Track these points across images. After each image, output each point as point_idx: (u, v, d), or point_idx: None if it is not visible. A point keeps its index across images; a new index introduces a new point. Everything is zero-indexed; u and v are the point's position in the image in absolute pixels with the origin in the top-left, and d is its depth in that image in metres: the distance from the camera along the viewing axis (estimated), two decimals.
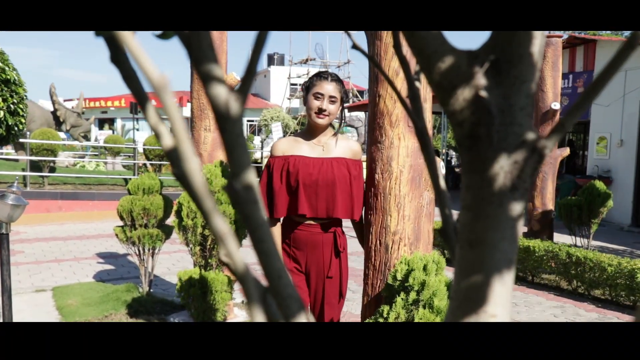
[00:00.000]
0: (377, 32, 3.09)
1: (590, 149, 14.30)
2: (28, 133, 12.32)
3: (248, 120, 37.48)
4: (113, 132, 32.73)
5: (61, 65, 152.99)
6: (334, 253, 3.00)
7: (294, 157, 2.80)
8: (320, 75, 2.88)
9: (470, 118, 0.40)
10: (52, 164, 13.10)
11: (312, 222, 2.91)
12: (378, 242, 3.13)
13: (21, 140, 12.16)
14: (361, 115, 27.14)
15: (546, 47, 8.25)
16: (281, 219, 2.99)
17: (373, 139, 3.18)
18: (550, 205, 8.16)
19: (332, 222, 2.99)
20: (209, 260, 4.64)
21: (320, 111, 2.81)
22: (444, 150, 29.08)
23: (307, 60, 38.80)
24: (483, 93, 0.39)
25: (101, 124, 41.01)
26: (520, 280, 7.31)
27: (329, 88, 2.84)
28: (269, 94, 43.08)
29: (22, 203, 3.48)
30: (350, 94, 40.13)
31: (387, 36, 3.04)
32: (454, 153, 33.05)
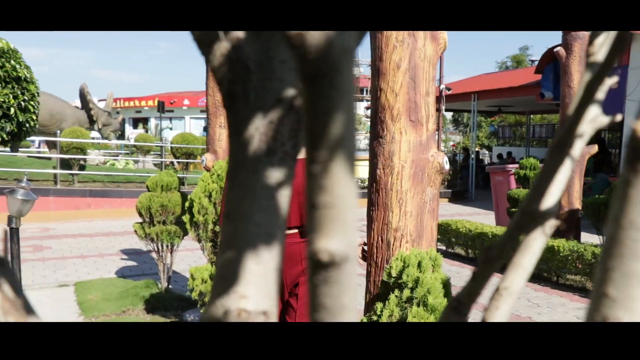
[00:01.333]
0: None
1: (624, 146, 13.91)
2: (59, 132, 12.55)
3: None
4: (147, 132, 33.18)
5: (97, 66, 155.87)
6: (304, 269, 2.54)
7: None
8: None
9: (227, 75, 0.35)
10: (82, 162, 13.33)
11: (287, 232, 2.49)
12: (380, 238, 3.08)
13: (52, 138, 12.41)
14: None
15: (573, 41, 8.05)
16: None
17: (375, 134, 3.12)
18: (577, 204, 7.95)
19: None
20: None
21: None
22: (475, 148, 28.69)
23: None
24: (239, 46, 0.35)
25: (135, 123, 41.63)
26: (544, 280, 7.15)
27: None
28: None
29: (31, 198, 3.52)
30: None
31: None
32: (486, 152, 32.61)
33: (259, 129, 0.34)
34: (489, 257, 0.39)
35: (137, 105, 41.06)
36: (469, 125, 47.50)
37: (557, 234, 8.10)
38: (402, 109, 2.98)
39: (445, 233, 8.77)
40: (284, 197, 0.36)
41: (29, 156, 14.08)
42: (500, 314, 0.41)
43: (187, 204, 4.76)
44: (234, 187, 0.35)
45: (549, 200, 0.39)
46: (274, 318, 0.36)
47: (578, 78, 7.98)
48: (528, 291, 6.70)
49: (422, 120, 3.00)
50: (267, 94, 0.35)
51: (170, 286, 6.30)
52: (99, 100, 29.29)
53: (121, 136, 34.24)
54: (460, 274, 7.50)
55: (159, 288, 6.26)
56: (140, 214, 6.18)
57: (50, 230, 10.34)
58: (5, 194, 3.46)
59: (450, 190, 16.71)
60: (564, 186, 0.40)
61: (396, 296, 2.41)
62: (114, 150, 19.66)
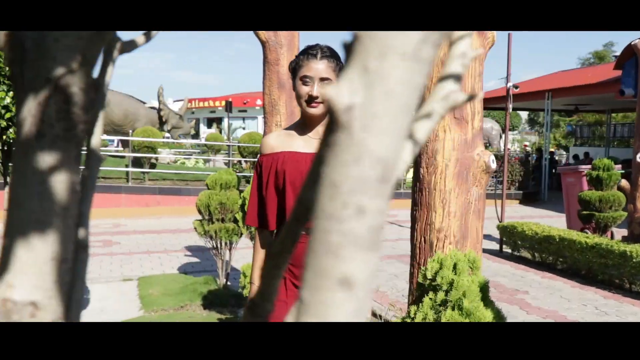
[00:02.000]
0: None
1: None
2: (131, 131, 13.02)
3: None
4: (220, 132, 33.95)
5: (176, 68, 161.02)
6: None
7: (283, 153, 2.24)
8: (307, 53, 2.21)
9: (9, 56, 0.32)
10: (154, 161, 13.76)
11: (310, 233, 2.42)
12: (422, 239, 2.99)
13: (125, 137, 12.87)
14: None
15: None
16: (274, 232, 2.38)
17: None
18: None
19: None
20: None
21: (311, 99, 2.18)
22: (551, 149, 27.70)
23: None
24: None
25: (209, 123, 42.63)
26: (616, 287, 6.79)
27: (318, 68, 2.16)
28: None
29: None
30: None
31: None
32: (564, 153, 31.46)
33: (30, 111, 0.31)
34: (271, 253, 0.34)
35: (212, 105, 42.06)
36: (544, 124, 46.00)
37: (632, 238, 7.70)
38: None
39: (511, 235, 8.49)
40: (59, 182, 0.32)
41: (105, 154, 14.64)
42: None
43: (240, 202, 4.80)
44: (12, 173, 0.32)
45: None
46: (49, 311, 0.33)
47: None
48: (597, 298, 6.38)
49: (467, 118, 2.89)
50: (40, 74, 0.31)
51: (228, 283, 6.39)
52: (175, 101, 30.15)
53: (195, 136, 35.23)
54: (524, 279, 7.24)
55: (217, 285, 6.36)
56: (200, 212, 6.30)
57: (120, 226, 10.73)
58: None
59: (521, 192, 16.20)
60: (402, 173, 0.34)
61: (430, 299, 2.33)
62: (188, 150, 20.21)
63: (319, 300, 0.22)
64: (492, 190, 15.23)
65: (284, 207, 2.22)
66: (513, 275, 7.47)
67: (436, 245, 2.91)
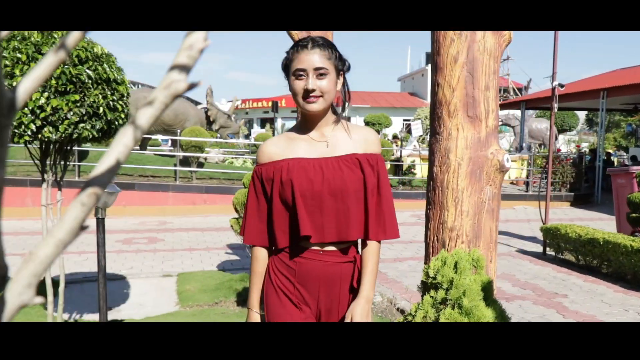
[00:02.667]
0: None
1: None
2: (179, 131, 13.32)
3: (404, 120, 37.29)
4: (274, 132, 34.29)
5: (232, 69, 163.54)
6: (350, 289, 2.05)
7: (287, 160, 1.98)
8: (298, 45, 1.98)
9: None
10: (202, 160, 14.05)
11: (325, 248, 2.00)
12: (435, 238, 2.98)
13: (173, 137, 13.18)
14: (518, 113, 25.61)
15: None
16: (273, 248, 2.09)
17: (433, 130, 3.03)
18: None
19: (350, 245, 2.07)
20: None
21: (307, 93, 1.93)
22: (608, 150, 26.79)
23: None
24: None
25: (263, 123, 43.08)
26: None
27: (312, 59, 1.92)
28: (425, 93, 42.58)
29: (115, 190, 3.77)
30: (511, 90, 38.31)
31: None
32: (624, 154, 30.39)
33: None
34: None
35: (265, 106, 42.49)
36: (604, 125, 44.48)
37: None
38: (459, 104, 2.87)
39: (554, 238, 8.29)
40: None
41: (155, 154, 15.04)
42: (19, 279, 0.39)
43: None
44: None
45: (96, 170, 0.37)
46: None
47: None
48: (638, 302, 6.18)
49: (480, 116, 2.86)
50: None
51: None
52: (229, 101, 30.59)
53: (248, 136, 35.67)
54: (565, 282, 7.06)
55: None
56: (236, 210, 6.41)
57: (166, 224, 11.00)
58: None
59: (572, 194, 15.76)
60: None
61: (431, 296, 2.33)
62: (239, 149, 20.52)
63: None
64: (542, 191, 14.90)
65: (295, 222, 1.93)
66: (554, 278, 7.29)
67: (448, 245, 2.89)
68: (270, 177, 1.99)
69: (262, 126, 42.52)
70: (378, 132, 34.46)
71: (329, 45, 1.98)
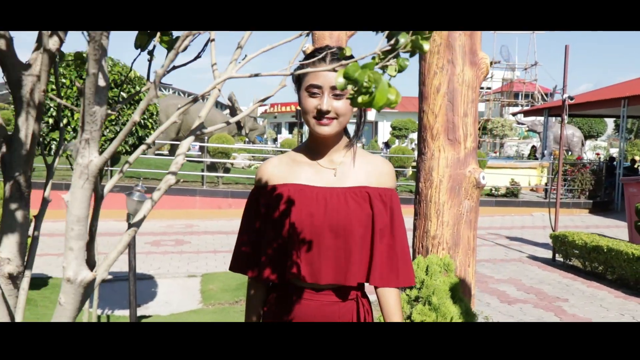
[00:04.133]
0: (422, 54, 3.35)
1: None
2: (206, 137, 13.90)
3: None
4: (301, 136, 34.79)
5: (260, 70, 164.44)
6: None
7: (288, 186, 1.76)
8: (314, 56, 1.68)
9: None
10: (229, 165, 14.61)
11: (322, 289, 1.76)
12: (420, 245, 3.41)
13: (201, 143, 13.75)
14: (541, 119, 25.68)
15: None
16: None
17: (419, 151, 3.46)
18: None
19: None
20: None
21: (320, 114, 1.69)
22: (634, 157, 26.69)
23: (491, 63, 37.47)
24: None
25: (291, 127, 43.59)
26: None
27: (329, 75, 1.67)
28: None
29: (144, 199, 4.27)
30: (538, 96, 38.23)
31: (430, 56, 3.31)
32: None
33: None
34: None
35: (294, 110, 43.11)
36: (633, 131, 44.15)
37: None
38: (441, 129, 3.30)
39: (563, 244, 8.60)
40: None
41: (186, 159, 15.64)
42: (101, 267, 0.84)
43: None
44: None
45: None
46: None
47: None
48: (638, 308, 6.48)
49: (459, 139, 3.29)
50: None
51: None
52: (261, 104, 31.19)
53: (275, 140, 36.27)
54: (569, 287, 7.39)
55: None
56: None
57: (193, 227, 11.56)
58: (126, 195, 4.23)
59: (591, 201, 15.93)
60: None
61: (407, 294, 2.76)
62: (267, 155, 21.09)
63: None
64: (560, 199, 15.11)
65: (289, 258, 1.71)
66: (559, 283, 7.62)
67: (431, 251, 3.32)
68: (268, 202, 1.76)
69: (290, 131, 42.99)
70: (405, 137, 34.67)
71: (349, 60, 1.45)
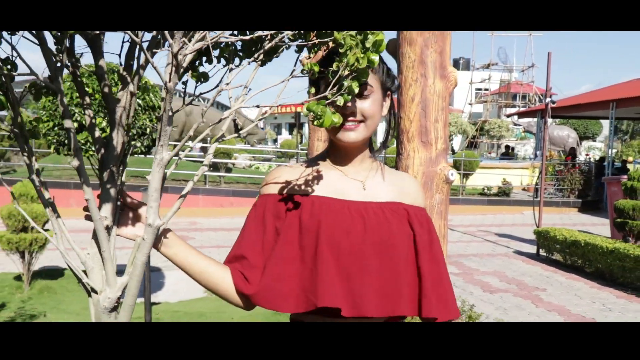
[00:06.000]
0: (400, 67, 3.90)
1: None
2: (209, 138, 14.46)
3: None
4: (302, 137, 35.35)
5: (261, 72, 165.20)
6: None
7: (312, 198, 1.45)
8: (333, 59, 1.29)
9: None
10: (230, 165, 15.17)
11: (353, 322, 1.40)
12: None
13: (203, 144, 14.30)
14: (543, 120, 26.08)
15: None
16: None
17: (397, 151, 4.00)
18: None
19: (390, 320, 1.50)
20: None
21: (345, 117, 1.41)
22: (632, 157, 27.21)
23: (489, 65, 38.02)
24: None
25: (291, 128, 44.01)
26: (633, 289, 7.38)
27: None
28: (452, 99, 43.24)
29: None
30: (534, 97, 38.68)
31: (406, 71, 3.85)
32: None
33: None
34: None
35: (293, 111, 43.45)
36: (628, 132, 44.73)
37: None
38: (416, 133, 3.84)
39: (545, 240, 9.15)
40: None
41: (187, 159, 16.21)
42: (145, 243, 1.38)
43: None
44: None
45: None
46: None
47: None
48: (609, 297, 7.03)
49: (431, 142, 3.83)
50: None
51: None
52: (255, 106, 31.69)
53: (276, 141, 36.81)
54: (549, 279, 7.94)
55: None
56: None
57: (197, 224, 12.11)
58: (141, 192, 4.78)
59: (580, 200, 16.48)
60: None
61: None
62: (265, 155, 21.66)
63: None
64: (550, 197, 15.67)
65: (316, 284, 1.36)
66: (540, 275, 8.17)
67: None
68: (283, 214, 1.46)
69: (290, 132, 43.39)
70: None
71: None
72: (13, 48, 1.25)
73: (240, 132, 1.51)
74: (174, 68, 1.18)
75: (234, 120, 16.90)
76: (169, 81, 1.19)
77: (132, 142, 4.85)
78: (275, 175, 1.53)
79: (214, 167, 14.47)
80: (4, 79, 1.26)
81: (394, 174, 1.59)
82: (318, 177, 1.48)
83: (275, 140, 36.83)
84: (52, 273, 7.40)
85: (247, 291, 1.43)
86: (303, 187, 1.47)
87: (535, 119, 25.24)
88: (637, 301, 6.89)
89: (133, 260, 1.35)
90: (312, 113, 1.28)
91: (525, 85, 39.10)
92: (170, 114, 1.25)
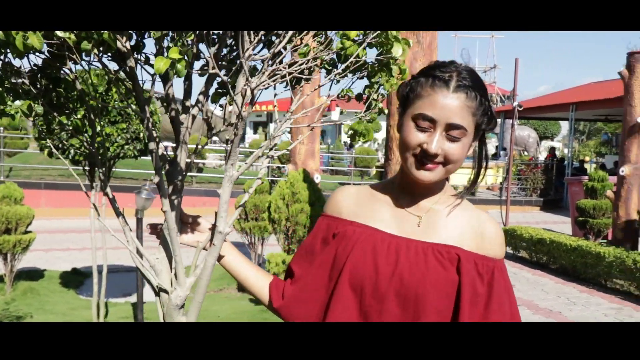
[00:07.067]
0: None
1: None
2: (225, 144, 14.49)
3: None
4: (265, 136, 35.40)
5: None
6: None
7: (355, 225, 1.38)
8: (433, 76, 1.26)
9: None
10: (201, 165, 15.26)
11: None
12: None
13: (173, 144, 14.35)
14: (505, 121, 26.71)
15: (636, 63, 8.58)
16: None
17: (386, 156, 4.26)
18: (635, 215, 8.50)
19: None
20: (291, 246, 5.92)
21: (425, 156, 1.26)
22: (589, 157, 28.19)
23: None
24: None
25: (255, 127, 43.83)
26: (594, 284, 7.81)
27: (450, 108, 1.25)
28: None
29: (151, 197, 4.97)
30: (496, 98, 39.51)
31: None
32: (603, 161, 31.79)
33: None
34: None
35: (257, 109, 43.41)
36: (585, 132, 46.15)
37: (615, 242, 8.69)
38: None
39: (512, 238, 9.55)
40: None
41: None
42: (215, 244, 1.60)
43: (266, 205, 6.09)
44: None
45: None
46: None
47: (639, 97, 8.52)
48: (573, 292, 7.44)
49: None
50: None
51: None
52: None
53: (242, 140, 36.67)
54: (516, 275, 8.33)
55: None
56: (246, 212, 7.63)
57: None
58: (135, 193, 4.93)
59: (542, 199, 17.08)
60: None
61: None
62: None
63: None
64: (514, 196, 16.18)
65: (327, 311, 1.35)
66: (508, 272, 8.54)
67: None
68: (330, 237, 1.42)
69: (255, 131, 43.32)
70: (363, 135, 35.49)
71: (478, 90, 1.25)
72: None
73: (213, 132, 1.72)
74: (248, 100, 1.39)
75: (206, 120, 16.96)
76: (244, 110, 1.40)
77: (126, 146, 4.98)
78: (335, 196, 1.48)
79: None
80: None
81: (468, 211, 1.36)
82: (372, 206, 1.39)
83: (242, 140, 36.75)
84: (33, 275, 7.44)
85: (274, 304, 1.48)
86: (353, 212, 1.40)
87: (499, 120, 25.89)
88: (598, 295, 7.31)
89: (204, 263, 1.55)
90: (352, 130, 1.52)
91: (488, 85, 39.89)
92: (239, 136, 1.46)
